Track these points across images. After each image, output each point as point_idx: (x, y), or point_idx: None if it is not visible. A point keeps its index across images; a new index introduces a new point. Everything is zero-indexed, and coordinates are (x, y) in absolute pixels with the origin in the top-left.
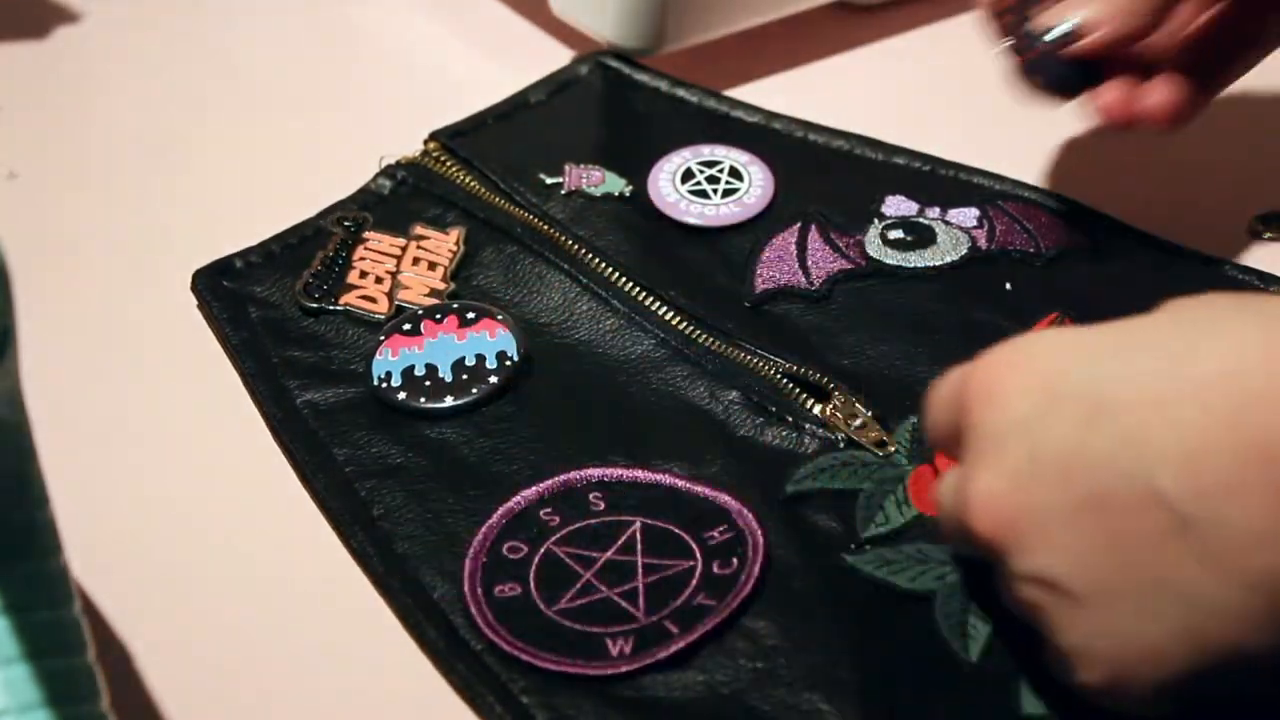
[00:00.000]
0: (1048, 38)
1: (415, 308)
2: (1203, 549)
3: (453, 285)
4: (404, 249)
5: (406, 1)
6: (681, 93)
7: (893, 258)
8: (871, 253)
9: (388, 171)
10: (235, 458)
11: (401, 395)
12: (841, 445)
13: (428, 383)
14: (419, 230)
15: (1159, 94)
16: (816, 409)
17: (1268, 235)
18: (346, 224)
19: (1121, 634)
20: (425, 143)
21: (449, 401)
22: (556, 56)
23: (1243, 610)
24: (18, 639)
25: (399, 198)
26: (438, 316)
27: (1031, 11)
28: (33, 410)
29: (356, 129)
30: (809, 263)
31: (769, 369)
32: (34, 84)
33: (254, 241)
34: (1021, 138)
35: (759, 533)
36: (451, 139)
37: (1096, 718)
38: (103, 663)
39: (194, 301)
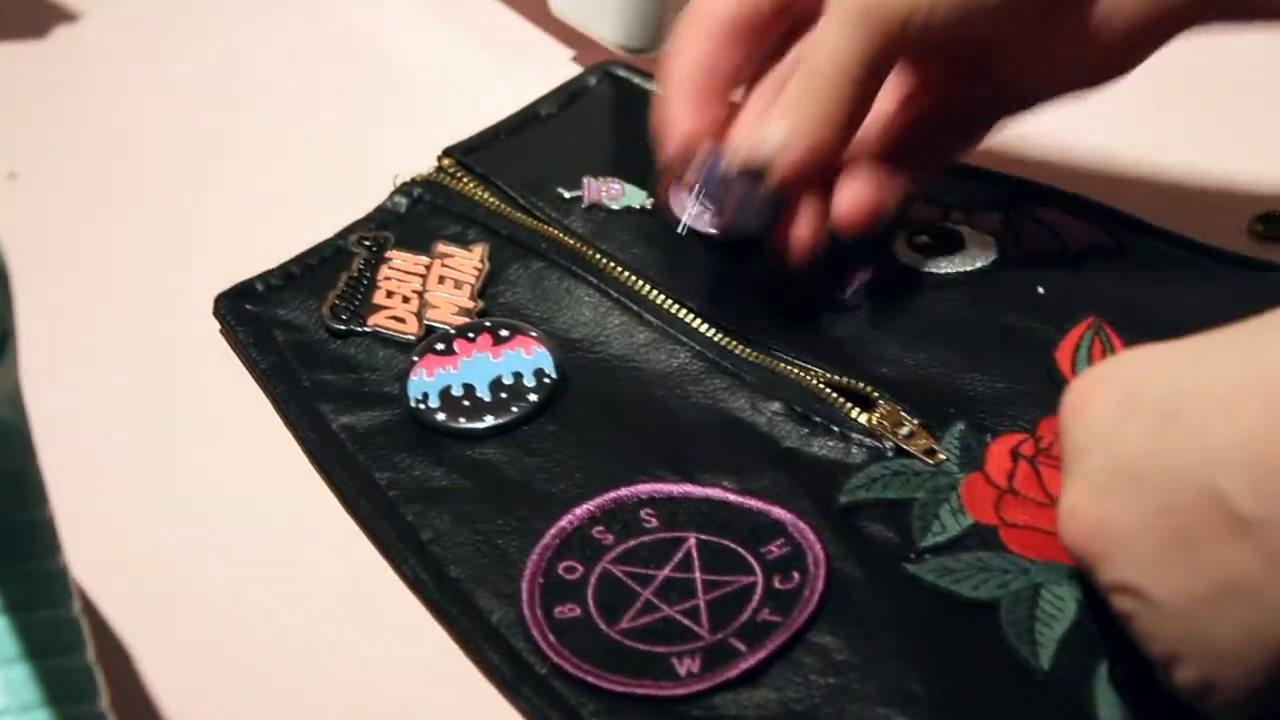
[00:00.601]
0: (751, 164)
1: (446, 327)
2: (1267, 550)
3: (481, 303)
4: (428, 267)
5: (407, 2)
6: None
7: (921, 264)
8: (900, 259)
9: (404, 189)
10: (244, 468)
11: (440, 416)
12: (890, 454)
13: (466, 402)
14: (442, 248)
15: (848, 194)
16: (862, 418)
17: (1268, 235)
18: (367, 243)
19: (1203, 638)
20: (439, 159)
21: (489, 421)
22: (556, 56)
23: None
24: (18, 638)
25: (417, 215)
26: (470, 335)
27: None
28: (34, 411)
29: (356, 130)
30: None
31: (811, 378)
32: (34, 84)
33: (254, 245)
34: (1028, 138)
35: (818, 546)
36: (466, 155)
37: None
38: (103, 663)
39: (198, 303)
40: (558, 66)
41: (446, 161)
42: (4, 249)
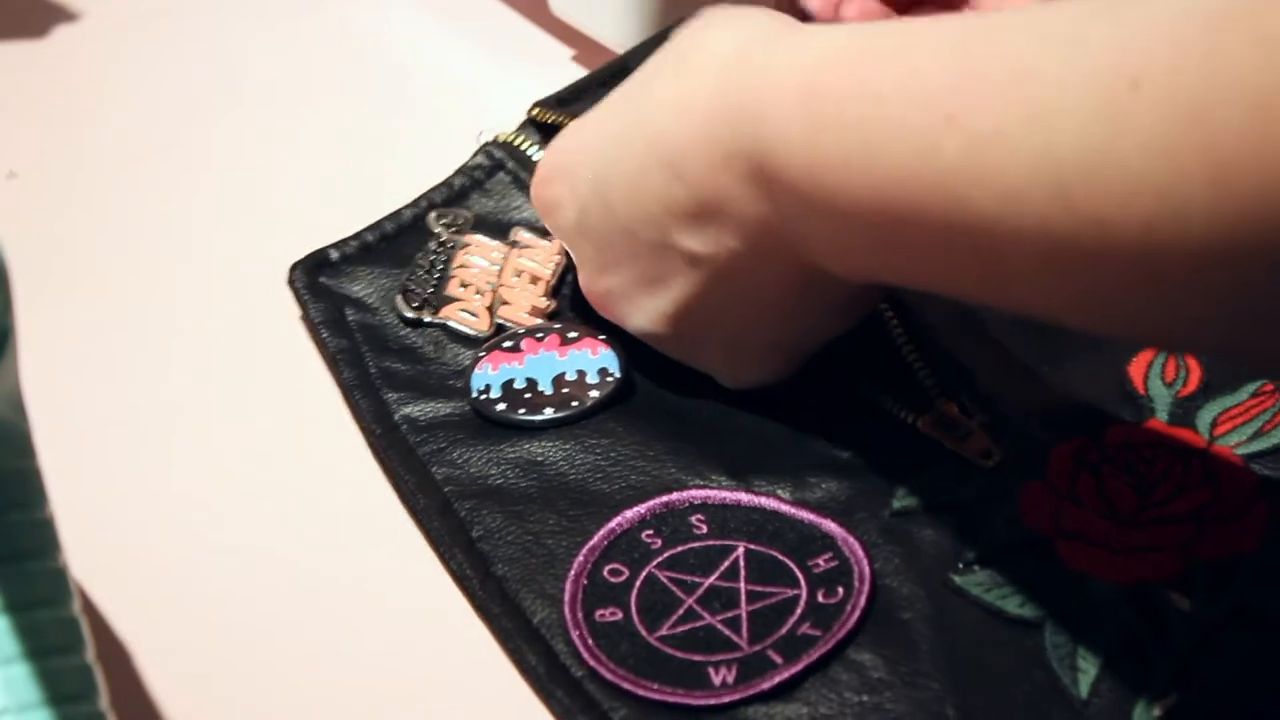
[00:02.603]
0: None
1: (516, 328)
2: (708, 273)
3: (554, 304)
4: (506, 257)
5: (406, 1)
6: None
7: None
8: None
9: (485, 150)
10: (246, 467)
11: (500, 407)
12: (947, 458)
13: (527, 395)
14: (521, 236)
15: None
16: (919, 422)
17: None
18: (445, 222)
19: (707, 344)
20: (529, 111)
21: (548, 414)
22: (556, 56)
23: (767, 295)
24: (17, 638)
25: (498, 187)
26: (539, 335)
27: None
28: (34, 411)
29: (355, 129)
30: None
31: (871, 384)
32: (34, 84)
33: (255, 248)
34: None
35: (865, 562)
36: (558, 108)
37: None
38: (102, 663)
39: (197, 302)
40: (558, 66)
41: (536, 112)
42: (4, 249)
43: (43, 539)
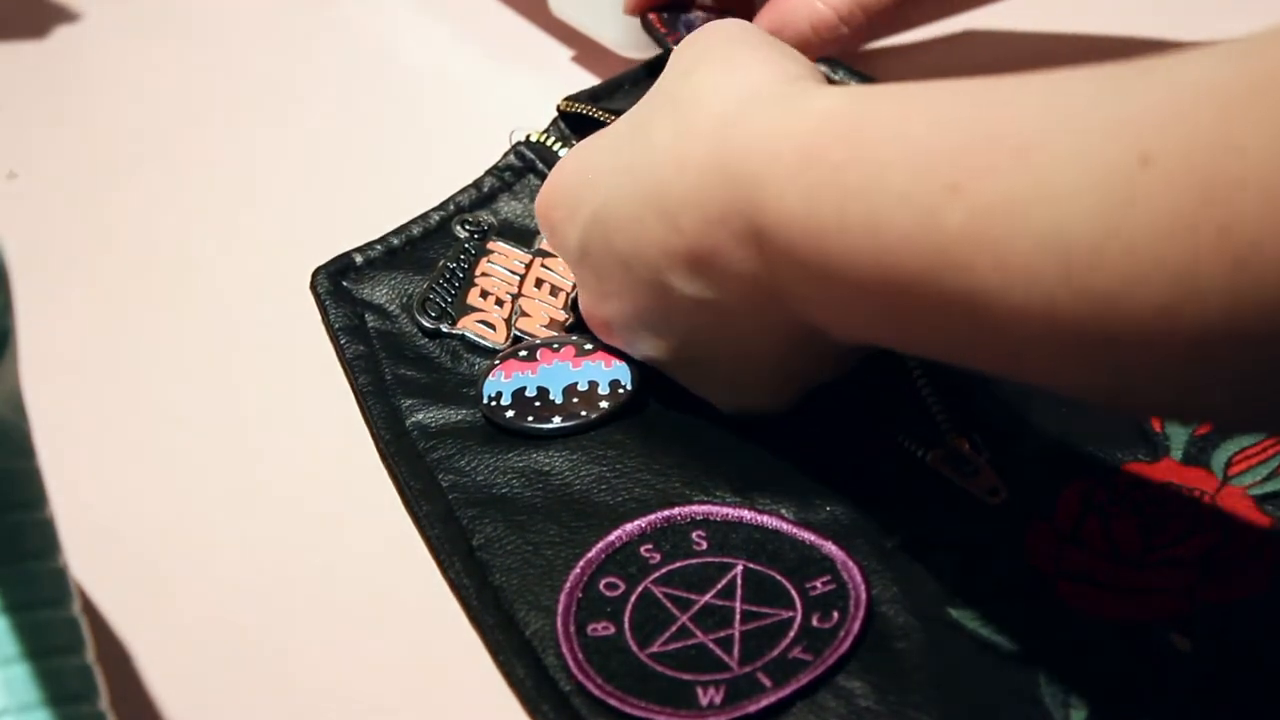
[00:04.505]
0: None
1: (534, 339)
2: (711, 317)
3: (572, 318)
4: (528, 267)
5: (406, 2)
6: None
7: None
8: None
9: (516, 150)
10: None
11: (509, 414)
12: (955, 493)
13: (537, 403)
14: (545, 245)
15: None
16: (929, 456)
17: None
18: (470, 228)
19: (708, 378)
20: (559, 105)
21: (556, 422)
22: (557, 56)
23: (765, 342)
24: (17, 638)
25: (527, 190)
26: (555, 346)
27: None
28: (34, 411)
29: (355, 129)
30: None
31: (883, 414)
32: (34, 84)
33: (253, 247)
34: None
35: (862, 587)
36: (591, 103)
37: None
38: (102, 663)
39: (195, 301)
40: (558, 66)
41: (564, 104)
42: (4, 249)
43: (43, 539)
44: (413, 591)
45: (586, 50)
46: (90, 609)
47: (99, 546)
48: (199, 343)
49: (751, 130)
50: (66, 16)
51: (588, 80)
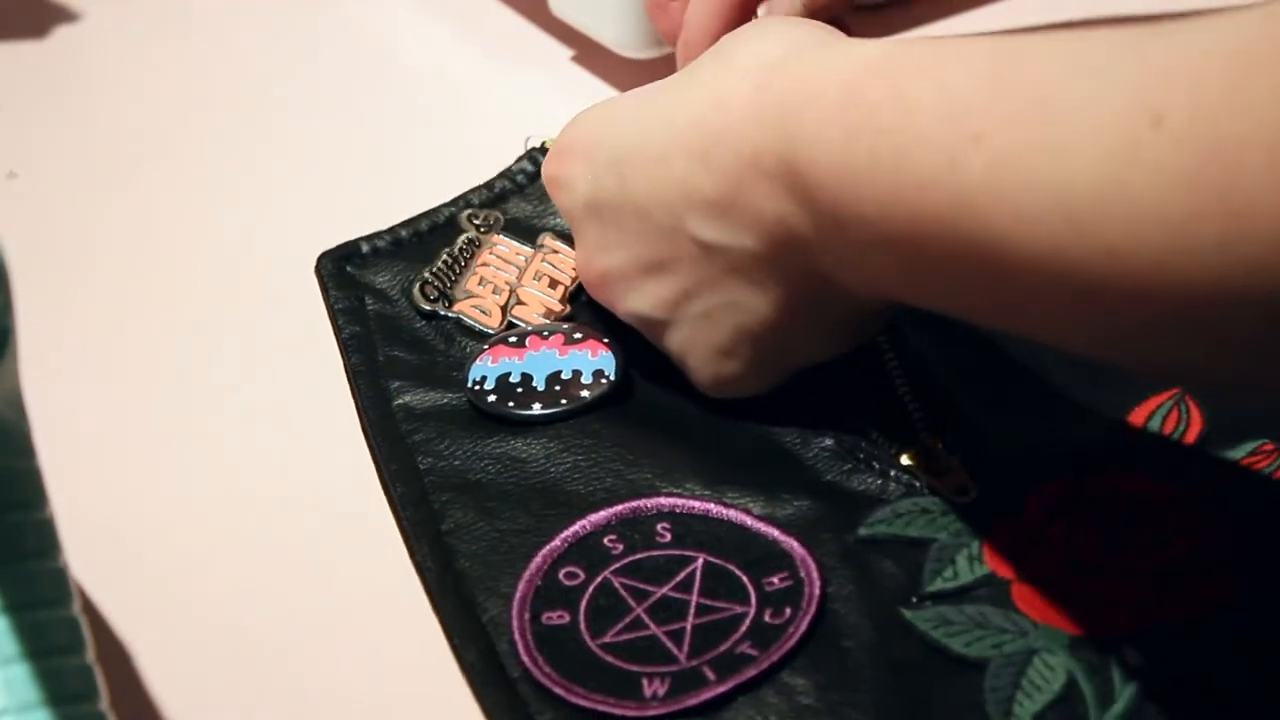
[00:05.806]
0: None
1: (525, 325)
2: (720, 266)
3: (569, 309)
4: (530, 260)
5: (406, 2)
6: None
7: None
8: None
9: (530, 155)
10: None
11: (491, 399)
12: (924, 491)
13: (520, 390)
14: (549, 242)
15: None
16: (904, 457)
17: None
18: (477, 222)
19: (699, 340)
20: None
21: (535, 409)
22: (556, 56)
23: (769, 300)
24: (18, 638)
25: (537, 192)
26: (545, 334)
27: None
28: (34, 410)
29: (355, 129)
30: None
31: (859, 411)
32: (34, 84)
33: (249, 250)
34: None
35: (817, 584)
36: None
37: None
38: (102, 663)
39: (195, 301)
40: (558, 66)
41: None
42: (4, 249)
43: (43, 539)
44: (391, 576)
45: (586, 50)
46: (90, 609)
47: (99, 546)
48: (198, 343)
49: (798, 71)
50: (66, 16)
51: (588, 80)
